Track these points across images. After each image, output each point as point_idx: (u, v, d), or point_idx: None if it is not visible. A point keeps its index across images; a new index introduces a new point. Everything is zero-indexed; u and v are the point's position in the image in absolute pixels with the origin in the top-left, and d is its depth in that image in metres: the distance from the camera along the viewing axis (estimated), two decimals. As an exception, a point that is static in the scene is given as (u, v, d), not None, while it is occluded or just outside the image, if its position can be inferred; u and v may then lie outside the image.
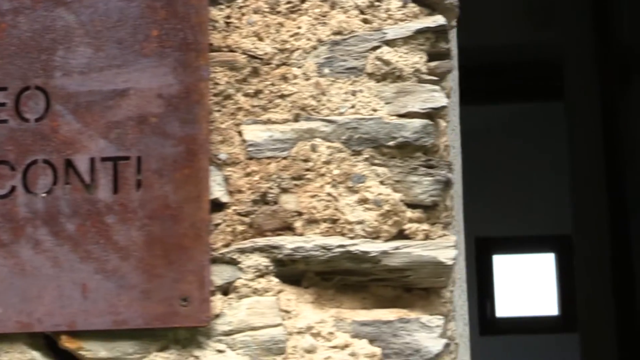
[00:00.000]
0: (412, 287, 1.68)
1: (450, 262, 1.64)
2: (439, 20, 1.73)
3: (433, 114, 1.69)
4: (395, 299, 1.68)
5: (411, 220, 1.66)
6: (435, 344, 1.62)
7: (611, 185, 6.70)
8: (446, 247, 1.66)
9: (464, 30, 6.45)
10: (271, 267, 1.64)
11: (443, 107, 1.69)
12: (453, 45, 1.99)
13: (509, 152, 9.54)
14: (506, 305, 10.03)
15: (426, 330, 1.62)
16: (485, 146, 9.53)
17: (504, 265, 10.13)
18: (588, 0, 6.95)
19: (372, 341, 1.62)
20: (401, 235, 1.66)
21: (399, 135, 1.66)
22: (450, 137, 2.11)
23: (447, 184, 1.69)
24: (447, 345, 1.65)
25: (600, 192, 6.79)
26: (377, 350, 1.62)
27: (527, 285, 10.04)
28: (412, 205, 1.66)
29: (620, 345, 6.60)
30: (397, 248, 1.63)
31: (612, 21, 6.70)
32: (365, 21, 1.71)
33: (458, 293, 2.09)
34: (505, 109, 9.11)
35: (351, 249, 1.63)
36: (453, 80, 2.19)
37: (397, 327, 1.62)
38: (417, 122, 1.67)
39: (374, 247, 1.63)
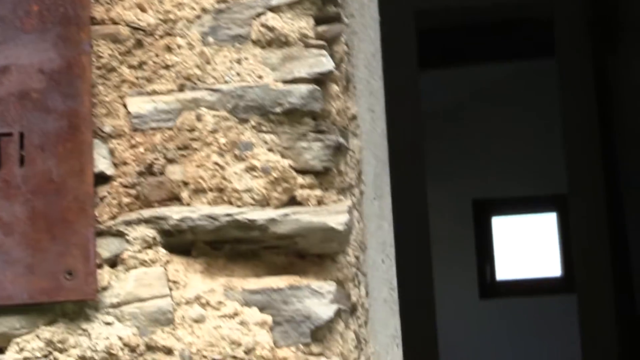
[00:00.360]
0: (305, 254, 1.71)
1: (341, 228, 1.66)
2: (324, -17, 1.73)
3: (321, 79, 1.71)
4: (288, 266, 1.70)
5: (303, 187, 1.69)
6: (326, 310, 1.65)
7: (605, 142, 6.71)
8: (338, 213, 1.68)
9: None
10: (158, 238, 1.67)
11: (330, 72, 1.71)
12: (352, 7, 1.99)
13: (504, 113, 9.54)
14: (507, 268, 10.06)
15: (317, 296, 1.65)
16: (479, 108, 9.57)
17: (503, 227, 10.15)
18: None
19: (262, 309, 1.65)
20: (294, 202, 1.69)
21: (286, 101, 1.68)
22: (369, 100, 2.13)
23: (338, 149, 1.71)
24: (339, 311, 1.68)
25: (594, 150, 6.82)
26: (268, 318, 1.65)
27: (529, 246, 10.06)
28: (303, 172, 1.69)
29: (618, 304, 6.63)
30: (286, 215, 1.66)
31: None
32: (248, -12, 1.72)
33: (380, 258, 2.10)
34: (498, 70, 9.09)
35: (238, 217, 1.65)
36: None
37: (287, 294, 1.65)
38: (304, 88, 1.69)
39: (261, 214, 1.66)
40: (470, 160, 9.71)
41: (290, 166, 1.69)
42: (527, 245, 10.16)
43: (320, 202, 1.70)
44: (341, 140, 1.73)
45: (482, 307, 9.92)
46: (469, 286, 9.86)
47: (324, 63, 1.71)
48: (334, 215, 1.68)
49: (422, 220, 7.05)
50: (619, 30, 6.41)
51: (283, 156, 1.69)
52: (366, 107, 2.11)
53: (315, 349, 1.66)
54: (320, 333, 1.66)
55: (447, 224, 9.37)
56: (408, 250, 6.68)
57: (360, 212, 1.95)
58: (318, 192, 1.70)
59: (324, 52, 1.72)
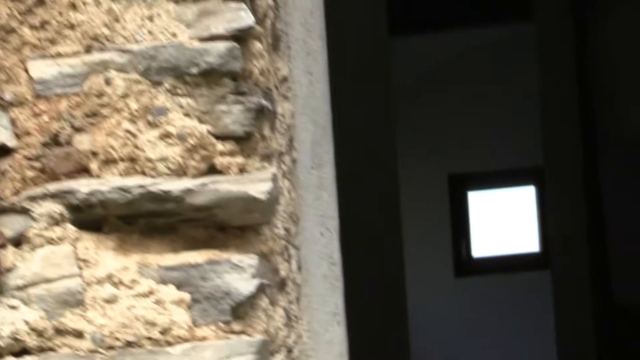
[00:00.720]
0: (226, 226, 1.62)
1: (263, 197, 1.58)
2: None
3: (241, 36, 1.62)
4: (208, 240, 1.62)
5: (223, 154, 1.60)
6: (246, 285, 1.56)
7: (583, 114, 6.66)
8: (260, 181, 1.59)
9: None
10: (66, 214, 1.59)
11: (251, 28, 1.62)
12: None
13: (479, 82, 9.47)
14: (483, 244, 10.02)
15: (237, 271, 1.57)
16: (453, 77, 9.50)
17: (480, 202, 10.11)
18: None
19: (179, 286, 1.57)
20: (213, 170, 1.60)
21: (202, 61, 1.59)
22: (306, 62, 2.04)
23: (260, 111, 1.62)
24: (263, 286, 1.60)
25: (572, 120, 6.78)
26: (186, 296, 1.57)
27: (506, 222, 10.01)
28: (223, 138, 1.59)
29: (593, 280, 6.59)
30: (203, 185, 1.57)
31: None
32: (158, -63, 1.63)
33: (318, 230, 2.03)
34: (473, 36, 9.01)
35: (152, 188, 1.57)
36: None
37: (206, 269, 1.57)
38: (222, 46, 1.59)
39: (177, 185, 1.57)
40: (444, 134, 9.63)
41: (209, 132, 1.60)
42: (504, 221, 10.08)
43: (242, 170, 1.61)
44: (264, 102, 1.64)
45: (458, 285, 9.86)
46: (444, 264, 9.80)
47: (244, 18, 1.61)
48: (256, 183, 1.59)
49: (393, 196, 6.92)
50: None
51: (201, 121, 1.60)
52: (302, 68, 2.02)
53: (236, 326, 1.57)
54: (241, 310, 1.57)
55: (421, 200, 9.35)
56: (378, 228, 6.66)
57: (293, 182, 1.87)
58: (240, 159, 1.61)
59: (243, 6, 1.62)
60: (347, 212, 5.70)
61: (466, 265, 10.00)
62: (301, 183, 1.94)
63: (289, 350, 1.76)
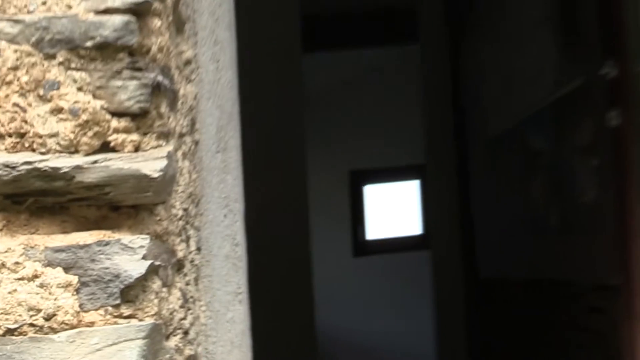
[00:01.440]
0: (119, 206, 1.27)
1: (156, 175, 1.23)
2: None
3: (139, 11, 1.26)
4: (101, 220, 1.26)
5: (117, 131, 1.25)
6: (137, 267, 1.21)
7: (457, 121, 6.66)
8: (155, 159, 1.25)
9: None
10: (-53, 193, 1.23)
11: (147, 2, 1.26)
12: None
13: (375, 93, 9.32)
14: (376, 229, 9.88)
15: (128, 252, 1.22)
16: (355, 88, 9.36)
17: (375, 193, 9.99)
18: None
19: (67, 269, 1.21)
20: (107, 148, 1.24)
21: (97, 34, 1.23)
22: (213, 49, 1.71)
23: (157, 88, 1.27)
24: (156, 268, 1.24)
25: (448, 127, 6.82)
26: (73, 279, 1.21)
27: (395, 210, 9.95)
28: (117, 114, 1.24)
29: (463, 258, 6.63)
30: (94, 162, 1.22)
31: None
32: None
33: (222, 212, 1.69)
34: (370, 53, 8.86)
35: (39, 165, 1.21)
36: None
37: (95, 251, 1.21)
38: (118, 19, 1.24)
39: (66, 162, 1.22)
40: (346, 136, 9.54)
41: (103, 108, 1.24)
42: (393, 209, 10.02)
43: (137, 148, 1.26)
44: (161, 79, 1.29)
45: (355, 263, 9.86)
46: (344, 245, 9.77)
47: (141, -8, 1.25)
48: (150, 161, 1.24)
49: (301, 187, 6.70)
50: (468, 20, 6.27)
51: (95, 96, 1.24)
52: (209, 55, 1.68)
53: (125, 310, 1.22)
54: (131, 293, 1.22)
55: (326, 191, 9.34)
56: (287, 214, 6.45)
57: (195, 163, 1.52)
58: (135, 136, 1.26)
59: (142, -21, 1.27)
60: (260, 200, 5.42)
61: (362, 246, 9.95)
62: (205, 165, 1.60)
63: (185, 332, 1.42)
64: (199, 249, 1.51)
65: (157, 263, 1.25)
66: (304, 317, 6.80)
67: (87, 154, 1.23)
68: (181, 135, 1.43)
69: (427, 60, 6.90)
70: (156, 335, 1.25)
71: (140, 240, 1.23)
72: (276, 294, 6.45)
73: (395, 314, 9.26)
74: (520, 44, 4.55)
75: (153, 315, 1.24)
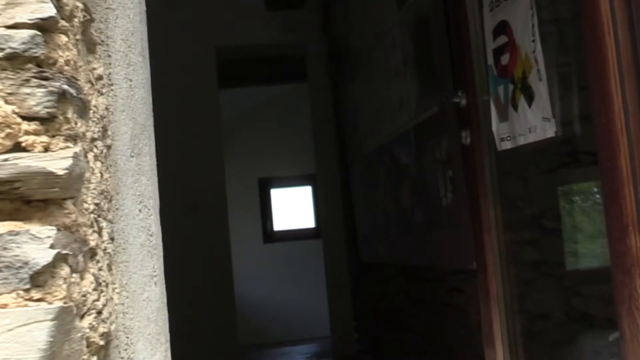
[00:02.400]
0: (30, 200, 1.06)
1: (62, 172, 1.04)
2: None
3: (45, 26, 1.06)
4: (14, 212, 1.05)
5: (28, 133, 1.05)
6: (44, 255, 1.01)
7: (339, 141, 6.55)
8: (62, 158, 1.05)
9: (232, 31, 5.90)
10: None
11: (52, 18, 1.06)
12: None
13: (279, 119, 9.26)
14: (281, 222, 9.76)
15: (36, 241, 1.01)
16: (263, 114, 9.35)
17: (279, 195, 9.85)
18: (317, 11, 6.61)
19: (-20, 257, 1.00)
20: (19, 148, 1.04)
21: (7, 46, 1.03)
22: (127, 70, 1.51)
23: (63, 95, 1.07)
24: (63, 256, 1.04)
25: (333, 145, 6.76)
26: (-14, 266, 1.00)
27: (294, 208, 9.85)
28: (28, 118, 1.04)
29: (347, 246, 6.47)
30: (5, 160, 1.02)
31: (333, 25, 6.40)
32: None
33: (137, 207, 1.49)
34: (270, 89, 8.73)
35: (-47, 163, 1.00)
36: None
37: (7, 240, 1.01)
38: (25, 33, 1.05)
39: (-22, 160, 1.01)
40: (256, 151, 9.49)
41: (14, 112, 1.04)
42: (293, 207, 9.85)
43: (47, 149, 1.06)
44: (67, 88, 1.09)
45: (265, 249, 9.78)
46: (256, 235, 9.66)
47: (46, 9, 1.06)
48: (57, 160, 1.05)
49: (221, 191, 6.53)
50: (343, 61, 6.17)
51: (6, 102, 1.04)
52: (123, 75, 1.49)
53: (35, 294, 1.02)
54: (40, 278, 1.02)
55: (241, 194, 9.31)
56: (211, 212, 6.26)
57: (108, 165, 1.32)
58: (44, 138, 1.06)
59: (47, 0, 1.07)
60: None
61: (270, 235, 9.81)
62: (120, 167, 1.42)
63: (99, 312, 1.22)
64: (112, 238, 1.31)
65: (65, 252, 1.05)
66: (225, 290, 6.61)
67: (0, 153, 1.02)
68: (93, 140, 1.23)
69: (314, 94, 6.80)
70: (65, 317, 1.04)
71: (48, 231, 1.02)
72: (205, 271, 6.32)
73: (297, 287, 9.17)
74: (388, 79, 4.42)
75: (62, 298, 1.04)
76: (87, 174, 1.18)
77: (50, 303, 1.02)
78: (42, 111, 1.04)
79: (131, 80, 1.51)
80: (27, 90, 1.04)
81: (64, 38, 1.11)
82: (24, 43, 1.04)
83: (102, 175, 1.27)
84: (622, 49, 1.95)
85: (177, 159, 6.40)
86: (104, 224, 1.27)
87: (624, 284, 2.01)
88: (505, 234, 3.08)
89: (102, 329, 1.23)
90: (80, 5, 1.20)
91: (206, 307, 6.35)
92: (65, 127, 1.08)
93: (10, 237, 1.01)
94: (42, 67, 1.06)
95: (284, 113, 9.12)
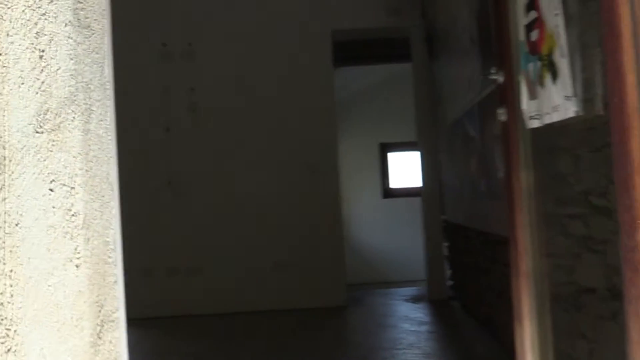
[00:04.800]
0: None
1: None
2: None
3: None
4: None
5: None
6: None
7: (435, 114, 5.94)
8: None
9: (347, 16, 5.42)
10: None
11: None
12: None
13: (393, 93, 8.76)
14: (396, 181, 9.26)
15: None
16: (377, 91, 8.92)
17: (394, 158, 9.34)
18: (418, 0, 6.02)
19: None
20: None
21: None
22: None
23: None
24: None
25: (429, 118, 6.14)
26: None
27: (407, 169, 9.35)
28: None
29: (442, 205, 5.91)
30: None
31: (427, 11, 5.78)
32: None
33: (45, 189, 1.14)
34: (383, 67, 8.16)
35: None
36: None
37: None
38: None
39: None
40: (377, 120, 9.00)
41: None
42: (405, 168, 9.35)
43: None
44: None
45: (383, 203, 9.42)
46: (376, 191, 9.24)
47: None
48: None
49: (333, 154, 6.13)
50: (432, 43, 5.56)
51: None
52: (26, 45, 1.10)
53: None
54: None
55: (364, 157, 8.87)
56: (326, 172, 5.91)
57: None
58: None
59: None
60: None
61: (387, 192, 9.29)
62: (13, 145, 1.02)
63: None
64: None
65: None
66: (335, 237, 6.24)
67: None
68: None
69: (415, 72, 6.21)
70: None
71: None
72: (320, 220, 6.01)
73: (406, 236, 8.80)
74: (461, 58, 3.84)
75: None
76: None
77: None
78: None
79: (43, 51, 1.13)
80: None
81: None
82: None
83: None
84: (639, 23, 1.37)
85: (296, 128, 6.08)
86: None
87: (632, 283, 1.46)
88: (546, 209, 2.52)
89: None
90: None
91: (319, 252, 6.05)
92: None
93: None
94: None
95: (397, 88, 8.62)
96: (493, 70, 2.28)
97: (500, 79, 2.29)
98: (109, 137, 1.35)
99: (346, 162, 8.80)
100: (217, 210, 6.03)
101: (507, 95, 2.27)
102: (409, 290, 6.91)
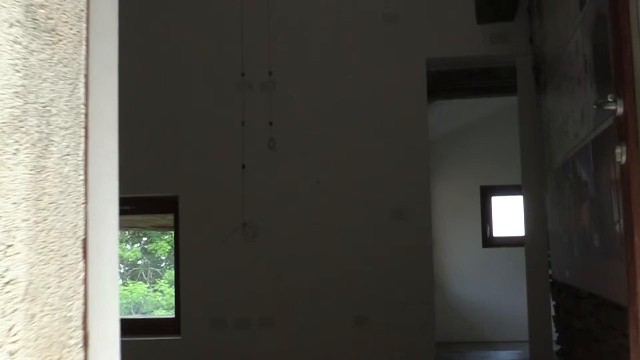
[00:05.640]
0: None
1: None
2: None
3: None
4: None
5: None
6: None
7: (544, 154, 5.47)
8: None
9: (444, 44, 5.12)
10: None
11: None
12: None
13: (495, 130, 8.29)
14: (499, 228, 8.77)
15: None
16: (477, 127, 8.58)
17: (499, 203, 8.83)
18: (526, 23, 5.60)
19: None
20: None
21: None
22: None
23: None
24: None
25: (536, 159, 5.65)
26: None
27: (512, 215, 8.77)
28: None
29: (549, 258, 5.35)
30: None
31: (534, 37, 5.35)
32: None
33: None
34: (483, 101, 7.71)
35: None
36: None
37: None
38: None
39: None
40: (478, 160, 8.52)
41: None
42: (512, 215, 8.72)
43: None
44: None
45: (484, 253, 8.91)
46: (476, 239, 8.71)
47: None
48: None
49: (425, 198, 5.76)
50: (540, 72, 5.10)
51: None
52: None
53: None
54: None
55: (463, 200, 8.60)
56: (416, 219, 5.55)
57: None
58: None
59: None
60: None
61: (489, 240, 8.77)
62: None
63: None
64: None
65: None
66: (425, 293, 5.81)
67: None
68: None
69: (521, 106, 5.75)
70: None
71: None
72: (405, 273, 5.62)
73: (508, 291, 8.17)
74: (571, 88, 3.42)
75: None
76: None
77: None
78: None
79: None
80: None
81: None
82: None
83: None
84: None
85: (384, 169, 5.76)
86: None
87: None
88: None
89: None
90: None
91: (406, 307, 5.65)
92: None
93: None
94: None
95: (501, 126, 8.14)
96: (610, 99, 1.89)
97: (618, 109, 1.90)
98: (80, 177, 1.08)
99: (442, 206, 8.37)
100: (293, 256, 5.76)
101: (627, 130, 1.87)
102: (509, 355, 6.37)
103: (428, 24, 5.85)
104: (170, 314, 5.88)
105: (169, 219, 6.15)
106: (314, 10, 5.96)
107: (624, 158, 1.89)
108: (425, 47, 5.83)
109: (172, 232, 6.10)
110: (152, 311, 12.24)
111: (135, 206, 5.96)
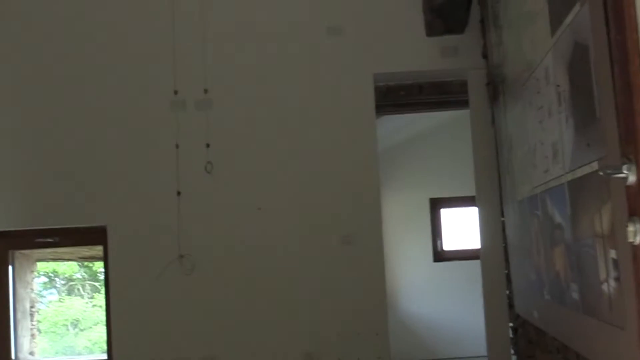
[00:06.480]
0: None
1: None
2: None
3: None
4: None
5: None
6: None
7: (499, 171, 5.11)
8: None
9: (391, 59, 4.67)
10: None
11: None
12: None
13: (444, 143, 8.14)
14: (450, 242, 8.50)
15: None
16: (427, 140, 8.28)
17: (448, 215, 8.55)
18: (477, 38, 5.26)
19: None
20: None
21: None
22: None
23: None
24: None
25: (492, 175, 5.22)
26: None
27: (462, 228, 8.51)
28: None
29: (507, 276, 5.01)
30: None
31: (489, 53, 5.01)
32: None
33: None
34: (434, 115, 7.41)
35: None
36: None
37: None
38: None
39: None
40: (427, 172, 8.26)
41: None
42: (461, 227, 8.55)
43: None
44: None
45: (435, 267, 8.66)
46: (427, 254, 8.44)
47: None
48: None
49: (376, 220, 5.37)
50: (497, 91, 4.74)
51: None
52: None
53: None
54: None
55: (413, 213, 8.03)
56: (366, 241, 5.17)
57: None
58: None
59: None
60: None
61: (440, 254, 8.53)
62: None
63: None
64: None
65: None
66: (379, 321, 5.43)
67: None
68: None
69: (473, 121, 5.40)
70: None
71: None
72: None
73: (461, 305, 7.99)
74: (540, 118, 3.06)
75: None
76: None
77: None
78: None
79: None
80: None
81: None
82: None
83: None
84: None
85: (332, 188, 5.35)
86: None
87: None
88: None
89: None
90: None
91: (356, 340, 5.26)
92: None
93: None
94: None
95: (451, 137, 7.88)
96: (626, 164, 1.50)
97: (630, 177, 1.52)
98: None
99: (391, 220, 8.02)
100: (235, 289, 5.30)
101: (641, 206, 1.49)
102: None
103: (375, 37, 5.48)
104: (103, 355, 5.34)
105: (98, 249, 5.61)
106: (254, 23, 5.50)
107: (638, 239, 1.51)
108: (372, 62, 5.45)
109: (102, 263, 5.56)
110: (91, 327, 11.67)
111: (59, 238, 5.42)
